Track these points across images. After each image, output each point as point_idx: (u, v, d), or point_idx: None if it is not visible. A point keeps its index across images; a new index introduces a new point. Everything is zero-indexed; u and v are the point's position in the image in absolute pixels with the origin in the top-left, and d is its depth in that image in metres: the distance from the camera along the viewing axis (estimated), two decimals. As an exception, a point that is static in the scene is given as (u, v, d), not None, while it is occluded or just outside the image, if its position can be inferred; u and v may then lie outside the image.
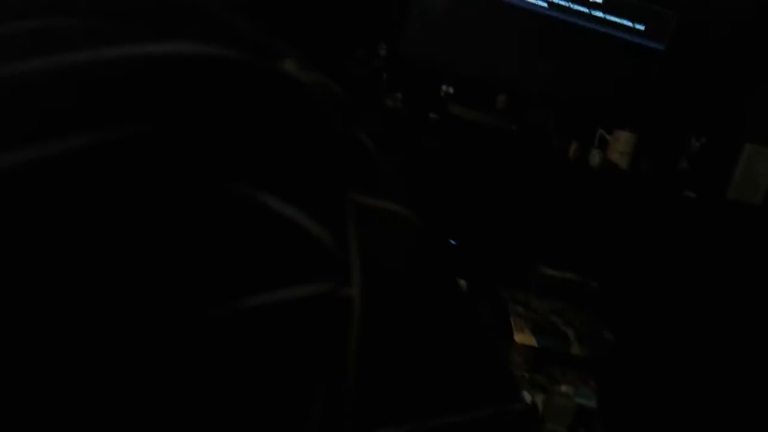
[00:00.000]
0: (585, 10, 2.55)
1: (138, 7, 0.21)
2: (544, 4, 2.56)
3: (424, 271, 0.26)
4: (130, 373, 0.16)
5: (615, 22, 2.55)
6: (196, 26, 0.21)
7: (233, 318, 0.18)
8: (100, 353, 0.16)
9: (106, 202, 0.16)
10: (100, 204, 0.16)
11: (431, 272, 0.27)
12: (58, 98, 0.17)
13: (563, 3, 2.55)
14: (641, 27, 2.56)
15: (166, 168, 0.17)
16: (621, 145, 2.45)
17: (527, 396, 1.63)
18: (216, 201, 0.17)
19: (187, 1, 0.22)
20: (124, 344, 0.16)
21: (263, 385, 0.19)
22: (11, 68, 0.17)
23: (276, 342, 0.19)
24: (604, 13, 2.55)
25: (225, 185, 0.18)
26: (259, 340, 0.18)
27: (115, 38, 0.18)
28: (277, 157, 0.19)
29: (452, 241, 2.25)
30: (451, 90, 2.48)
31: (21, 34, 0.18)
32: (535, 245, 2.32)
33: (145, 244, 0.16)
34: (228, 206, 0.18)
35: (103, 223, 0.16)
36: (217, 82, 0.19)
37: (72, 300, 0.16)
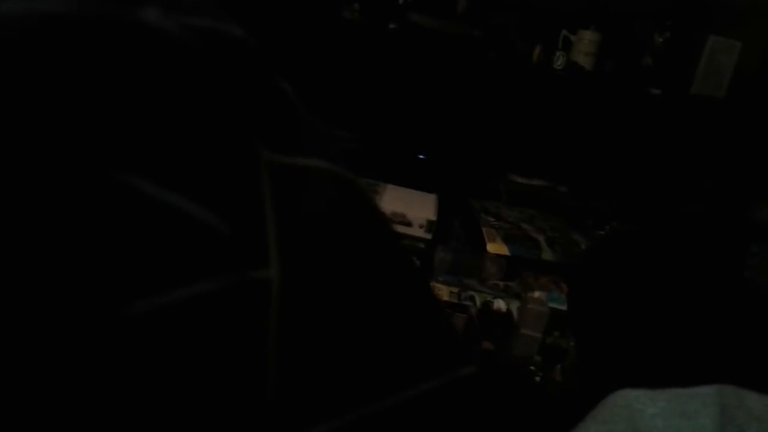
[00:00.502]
0: None
1: None
2: None
3: (355, 232, 0.23)
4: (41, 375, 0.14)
5: None
6: None
7: (126, 323, 0.15)
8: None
9: None
10: None
11: (362, 232, 0.24)
12: None
13: None
14: None
15: (17, 154, 0.14)
16: (585, 45, 2.41)
17: (502, 303, 1.66)
18: (79, 192, 0.14)
19: None
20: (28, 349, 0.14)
21: (183, 381, 0.17)
22: None
23: (184, 341, 0.17)
24: None
25: (87, 172, 0.15)
26: (162, 342, 0.16)
27: None
28: (149, 132, 0.16)
29: (420, 155, 2.23)
30: (409, -3, 2.39)
31: None
32: (504, 153, 2.32)
33: (16, 252, 0.14)
34: (96, 197, 0.15)
35: None
36: (61, 45, 0.15)
37: None
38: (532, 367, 1.44)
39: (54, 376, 0.15)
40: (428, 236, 1.88)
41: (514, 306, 1.64)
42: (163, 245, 0.16)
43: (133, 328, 0.16)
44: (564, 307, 1.68)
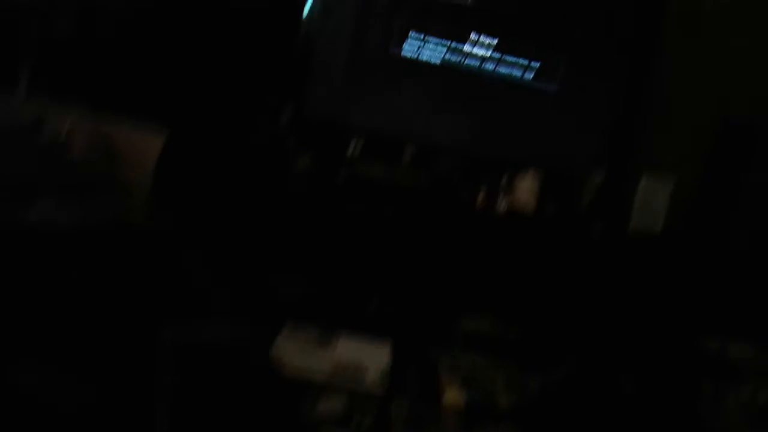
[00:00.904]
0: (477, 60, 2.64)
1: None
2: (439, 57, 2.63)
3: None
4: None
5: (508, 68, 2.66)
6: None
7: None
8: None
9: None
10: None
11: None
12: None
13: (457, 53, 2.63)
14: (532, 72, 2.67)
15: None
16: (525, 187, 2.53)
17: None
18: None
19: None
20: None
21: None
22: None
23: None
24: (496, 60, 2.65)
25: None
26: None
27: None
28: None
29: (373, 303, 2.25)
30: (359, 148, 2.50)
31: None
32: (455, 299, 2.36)
33: None
34: None
35: None
36: None
37: None
38: None
39: None
40: (382, 389, 1.87)
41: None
42: None
43: None
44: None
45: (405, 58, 2.63)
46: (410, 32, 2.62)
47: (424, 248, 2.39)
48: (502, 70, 2.65)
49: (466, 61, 2.64)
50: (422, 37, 2.62)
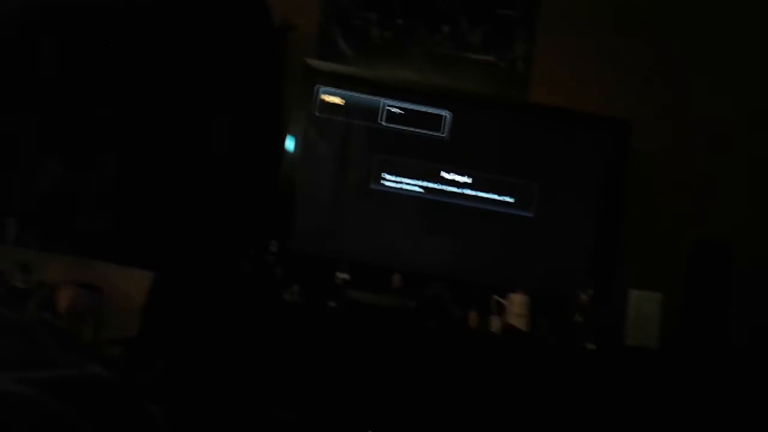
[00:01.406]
0: (456, 189, 2.74)
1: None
2: (419, 190, 2.73)
3: None
4: None
5: (485, 198, 2.75)
6: None
7: None
8: None
9: None
10: None
11: None
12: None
13: (435, 186, 2.73)
14: (510, 199, 2.76)
15: None
16: (516, 307, 2.52)
17: None
18: None
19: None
20: None
21: None
22: None
23: None
24: (473, 191, 2.75)
25: None
26: None
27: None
28: None
29: None
30: (346, 276, 2.50)
31: None
32: (453, 423, 2.26)
33: None
34: None
35: None
36: None
37: None
38: None
39: None
40: None
41: None
42: None
43: None
44: None
45: (386, 191, 2.72)
46: (383, 173, 2.73)
47: (417, 372, 2.32)
48: (480, 200, 2.74)
49: (445, 191, 2.73)
50: (397, 179, 2.73)
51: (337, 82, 2.76)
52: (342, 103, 2.75)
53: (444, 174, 2.74)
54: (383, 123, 2.74)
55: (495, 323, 2.49)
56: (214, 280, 2.43)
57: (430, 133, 2.75)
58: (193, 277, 2.41)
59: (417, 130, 2.75)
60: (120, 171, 2.58)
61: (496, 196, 2.75)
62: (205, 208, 2.53)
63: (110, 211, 2.58)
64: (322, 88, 2.74)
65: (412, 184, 2.73)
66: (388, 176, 2.73)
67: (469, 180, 2.74)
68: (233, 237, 2.58)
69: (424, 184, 2.74)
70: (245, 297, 2.39)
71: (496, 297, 2.57)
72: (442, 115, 2.76)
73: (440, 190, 2.73)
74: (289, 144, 2.71)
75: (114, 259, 2.48)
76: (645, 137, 2.83)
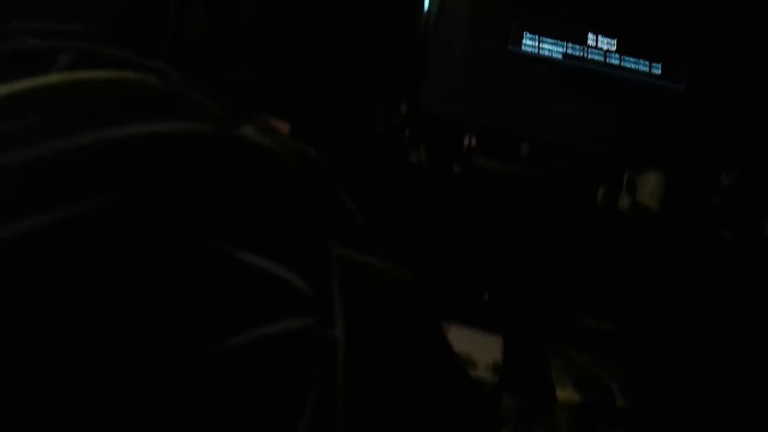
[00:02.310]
0: (600, 57, 2.55)
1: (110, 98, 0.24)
2: (559, 54, 2.57)
3: (406, 325, 0.27)
4: (115, 409, 0.18)
5: (631, 66, 2.55)
6: (165, 106, 0.24)
7: (218, 357, 0.19)
8: (87, 396, 0.17)
9: (96, 263, 0.18)
10: (90, 265, 0.18)
11: (413, 326, 0.28)
12: (55, 177, 0.20)
13: (578, 51, 2.56)
14: (657, 68, 2.55)
15: (149, 230, 0.20)
16: (650, 186, 2.42)
17: None
18: (194, 257, 0.20)
19: (153, 86, 0.25)
20: (110, 385, 0.18)
21: (250, 420, 0.20)
22: (14, 155, 0.20)
23: (261, 377, 0.20)
24: (619, 57, 2.55)
25: (201, 243, 0.20)
26: (244, 376, 0.20)
27: (101, 123, 0.22)
28: (248, 216, 0.22)
29: (485, 295, 2.21)
30: (473, 141, 2.48)
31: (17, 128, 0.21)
32: (572, 295, 2.28)
33: (129, 297, 0.19)
34: (205, 261, 0.20)
35: (93, 282, 0.18)
36: (189, 153, 0.22)
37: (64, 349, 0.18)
38: None
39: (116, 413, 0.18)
40: (494, 379, 1.83)
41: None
42: (255, 296, 0.21)
43: (224, 361, 0.19)
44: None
45: (523, 54, 2.58)
46: (525, 33, 2.57)
47: (541, 242, 2.33)
48: (626, 67, 2.55)
49: (588, 56, 2.56)
50: (537, 38, 2.56)
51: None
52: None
53: (589, 37, 2.55)
54: (528, -21, 2.55)
55: (624, 200, 2.41)
56: (346, 137, 2.49)
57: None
58: (326, 131, 2.48)
59: (564, -11, 2.54)
60: (258, 19, 2.61)
61: (643, 65, 2.54)
62: (342, 62, 2.54)
63: (247, 59, 2.65)
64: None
65: (552, 47, 2.57)
66: (528, 36, 2.58)
67: (614, 45, 2.54)
68: (367, 93, 2.59)
69: (566, 47, 2.57)
70: (374, 156, 2.43)
71: (628, 172, 2.46)
72: (593, -29, 2.52)
73: (582, 56, 2.56)
74: (426, 3, 2.60)
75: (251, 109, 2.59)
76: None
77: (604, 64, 2.55)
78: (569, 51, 2.56)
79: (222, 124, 0.23)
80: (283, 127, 2.68)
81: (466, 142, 2.48)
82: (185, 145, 0.22)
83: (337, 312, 0.23)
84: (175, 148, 0.22)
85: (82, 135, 0.20)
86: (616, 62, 2.54)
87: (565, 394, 1.82)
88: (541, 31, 2.57)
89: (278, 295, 0.21)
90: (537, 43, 2.57)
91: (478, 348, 1.94)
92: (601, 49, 2.54)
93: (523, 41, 2.58)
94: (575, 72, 2.56)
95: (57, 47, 0.25)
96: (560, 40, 2.56)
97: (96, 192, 0.19)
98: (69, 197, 0.19)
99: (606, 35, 2.54)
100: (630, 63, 2.54)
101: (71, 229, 0.19)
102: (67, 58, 0.24)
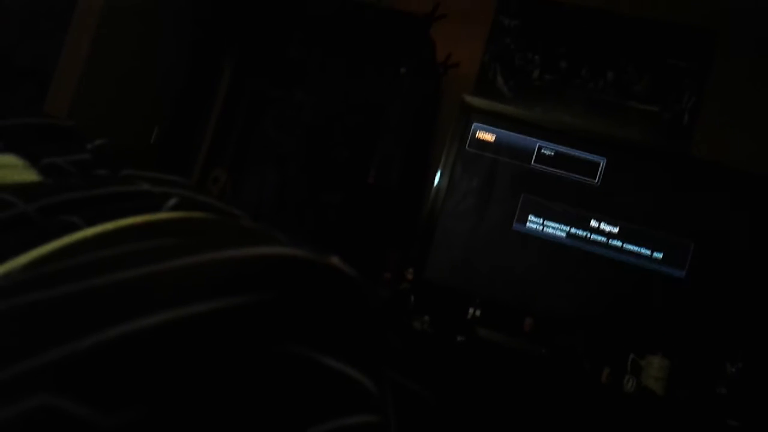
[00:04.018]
0: (603, 239, 2.66)
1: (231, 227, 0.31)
2: (563, 235, 2.67)
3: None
4: None
5: (633, 251, 2.64)
6: (276, 236, 0.29)
7: None
8: None
9: (213, 360, 0.22)
10: (205, 362, 0.22)
11: None
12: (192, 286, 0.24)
13: (581, 233, 2.66)
14: (659, 255, 2.63)
15: (266, 332, 0.24)
16: (654, 370, 2.40)
17: None
18: (291, 360, 0.24)
19: (251, 226, 0.32)
20: None
21: None
22: (151, 267, 0.24)
23: None
24: (621, 242, 2.65)
25: (295, 349, 0.24)
26: None
27: (220, 244, 0.26)
28: (332, 329, 0.26)
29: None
30: (477, 313, 2.50)
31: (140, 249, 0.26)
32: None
33: (232, 392, 0.22)
34: (297, 364, 0.24)
35: (206, 380, 0.22)
36: (299, 273, 0.26)
37: None
38: None
39: None
40: None
41: None
42: (335, 392, 0.25)
43: None
44: None
45: (527, 233, 2.69)
46: (530, 215, 2.70)
47: (543, 418, 2.26)
48: (628, 250, 2.64)
49: (591, 238, 2.66)
50: (541, 220, 2.69)
51: (491, 119, 2.78)
52: (493, 141, 2.76)
53: (593, 222, 2.67)
54: (534, 164, 2.73)
55: (629, 382, 2.37)
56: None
57: (583, 178, 2.70)
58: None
59: (569, 174, 2.71)
60: (278, 186, 2.75)
61: (645, 251, 2.63)
62: (355, 226, 2.63)
63: (264, 218, 2.75)
64: (476, 125, 2.78)
65: (556, 228, 2.69)
66: (533, 218, 2.70)
67: (617, 231, 2.65)
68: (375, 258, 2.66)
69: (570, 229, 2.68)
70: (377, 318, 2.44)
71: (633, 355, 2.45)
72: (597, 162, 2.69)
73: (585, 237, 2.67)
74: (438, 176, 2.76)
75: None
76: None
77: (607, 246, 2.64)
78: (573, 231, 2.67)
79: (315, 252, 0.28)
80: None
81: (470, 313, 2.50)
82: (295, 265, 0.26)
83: (390, 414, 0.27)
84: (289, 267, 0.26)
85: (210, 252, 0.25)
86: (619, 245, 2.64)
87: None
88: (546, 215, 2.69)
89: (354, 394, 0.25)
90: (542, 225, 2.69)
91: None
92: (604, 231, 2.65)
93: (528, 222, 2.70)
94: (578, 252, 2.65)
95: (166, 192, 0.32)
96: (564, 224, 2.68)
97: (227, 294, 0.23)
98: (206, 296, 0.23)
99: (608, 223, 2.66)
100: (632, 247, 2.63)
101: (200, 327, 0.22)
102: (174, 201, 0.31)
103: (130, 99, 2.57)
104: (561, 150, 2.73)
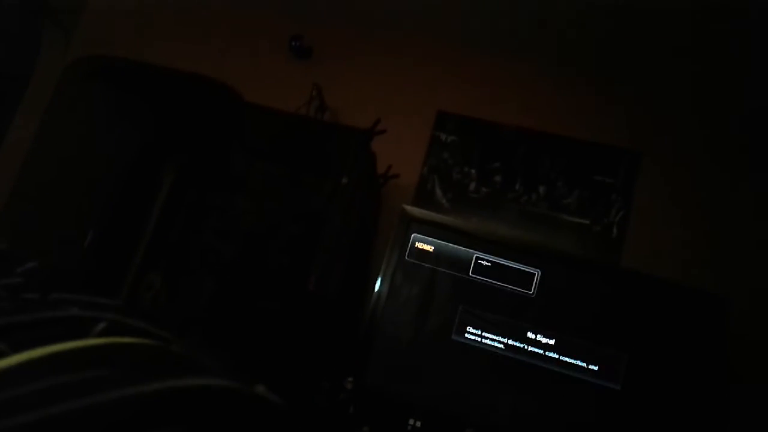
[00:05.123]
0: (539, 351, 2.68)
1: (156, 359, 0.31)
2: (501, 346, 2.69)
3: None
4: None
5: (569, 363, 2.66)
6: (202, 361, 0.31)
7: None
8: None
9: None
10: None
11: None
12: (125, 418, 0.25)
13: (518, 345, 2.68)
14: (594, 367, 2.66)
15: None
16: (594, 485, 2.36)
17: None
18: None
19: (178, 353, 0.34)
20: None
21: None
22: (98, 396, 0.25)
23: None
24: (557, 354, 2.68)
25: None
26: None
27: (151, 376, 0.27)
28: None
29: None
30: (418, 424, 2.44)
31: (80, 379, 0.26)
32: None
33: None
34: None
35: None
36: (216, 406, 0.27)
37: None
38: None
39: None
40: None
41: None
42: None
43: None
44: None
45: (466, 344, 2.69)
46: (467, 327, 2.72)
47: None
48: (564, 362, 2.66)
49: (528, 349, 2.67)
50: (479, 332, 2.71)
51: (430, 229, 2.84)
52: (432, 251, 2.81)
53: (529, 333, 2.70)
54: (472, 275, 2.77)
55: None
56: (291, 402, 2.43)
57: (519, 289, 2.75)
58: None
59: (505, 286, 2.75)
60: (215, 293, 2.70)
61: (581, 363, 2.66)
62: (293, 334, 2.59)
63: (198, 328, 2.68)
64: (416, 235, 2.83)
65: (494, 340, 2.70)
66: (471, 329, 2.71)
67: (553, 343, 2.68)
68: (314, 367, 2.60)
69: (508, 341, 2.69)
70: (318, 424, 2.36)
71: (572, 470, 2.42)
72: (532, 273, 2.76)
73: (523, 349, 2.68)
74: (378, 283, 2.77)
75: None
76: (742, 320, 2.70)
77: (544, 358, 2.66)
78: (510, 342, 2.68)
79: (241, 382, 0.30)
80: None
81: (410, 424, 2.45)
82: (225, 396, 0.28)
83: None
84: (218, 398, 0.28)
85: (141, 385, 0.27)
86: (555, 357, 2.66)
87: None
88: (483, 327, 2.71)
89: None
90: (480, 336, 2.70)
91: None
92: (540, 343, 2.68)
93: (466, 333, 2.70)
94: (516, 363, 2.65)
95: (94, 317, 0.33)
96: (501, 336, 2.69)
97: (159, 427, 0.26)
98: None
99: (544, 335, 2.69)
100: (568, 359, 2.66)
101: None
102: (102, 326, 0.32)
103: (63, 203, 2.52)
104: (497, 261, 2.79)
